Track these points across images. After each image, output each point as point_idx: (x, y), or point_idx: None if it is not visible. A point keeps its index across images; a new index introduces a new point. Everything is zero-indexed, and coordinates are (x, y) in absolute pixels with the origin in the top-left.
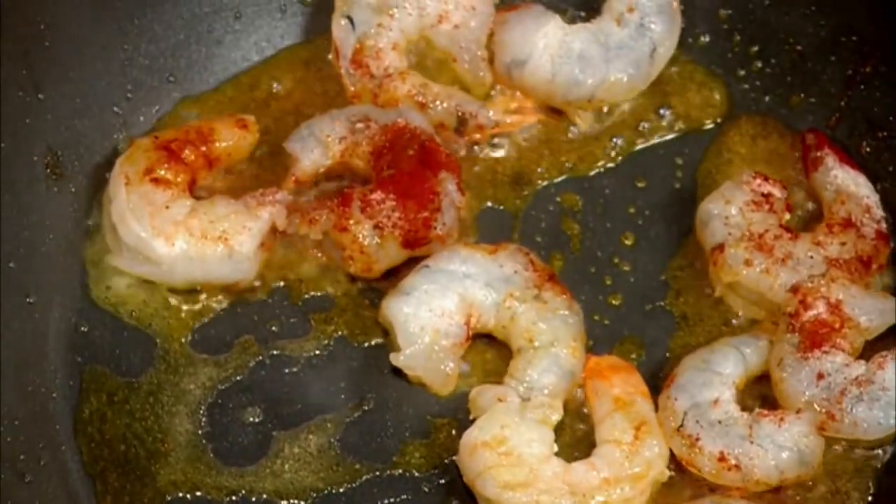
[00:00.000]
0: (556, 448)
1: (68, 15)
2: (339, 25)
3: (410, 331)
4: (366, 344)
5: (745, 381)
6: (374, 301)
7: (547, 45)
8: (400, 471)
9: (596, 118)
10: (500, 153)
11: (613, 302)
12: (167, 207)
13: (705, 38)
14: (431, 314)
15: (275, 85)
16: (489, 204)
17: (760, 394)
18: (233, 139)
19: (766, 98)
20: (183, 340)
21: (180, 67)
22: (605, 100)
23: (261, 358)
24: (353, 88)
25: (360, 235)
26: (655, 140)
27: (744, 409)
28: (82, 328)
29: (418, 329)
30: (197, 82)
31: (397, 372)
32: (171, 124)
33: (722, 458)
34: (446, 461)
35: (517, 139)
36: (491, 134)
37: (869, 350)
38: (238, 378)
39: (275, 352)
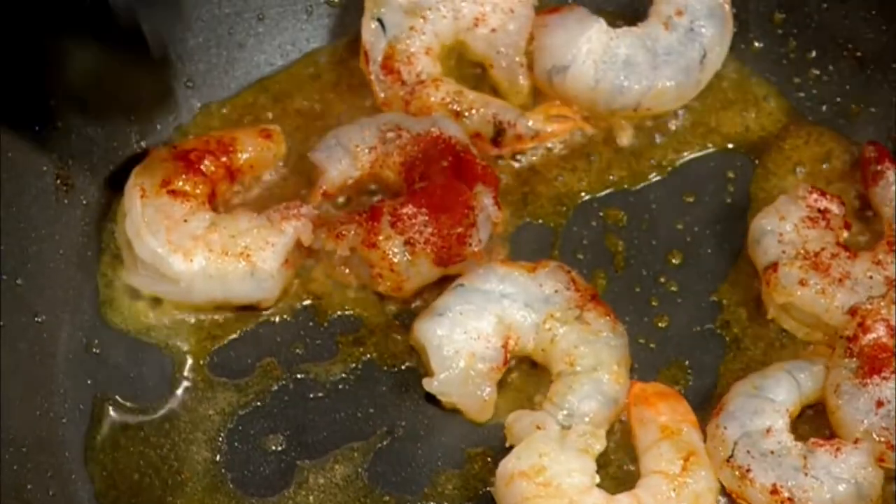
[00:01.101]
0: (597, 479)
1: None
2: (368, 28)
3: (444, 354)
4: (396, 368)
5: (800, 408)
6: (404, 322)
7: (590, 50)
8: (432, 503)
9: (641, 128)
10: (539, 165)
11: (660, 324)
12: (185, 221)
13: (759, 44)
14: (467, 336)
15: (300, 91)
16: (527, 219)
17: (815, 422)
18: (256, 150)
19: (824, 107)
20: (201, 363)
21: (199, 72)
22: (651, 108)
23: (284, 382)
24: (383, 95)
25: (390, 252)
26: (705, 152)
27: (798, 438)
28: (94, 349)
29: (453, 352)
30: (217, 88)
31: (430, 398)
32: (191, 133)
33: (775, 491)
34: (481, 492)
35: (558, 150)
36: (530, 144)
37: None
38: (259, 403)
39: (299, 376)
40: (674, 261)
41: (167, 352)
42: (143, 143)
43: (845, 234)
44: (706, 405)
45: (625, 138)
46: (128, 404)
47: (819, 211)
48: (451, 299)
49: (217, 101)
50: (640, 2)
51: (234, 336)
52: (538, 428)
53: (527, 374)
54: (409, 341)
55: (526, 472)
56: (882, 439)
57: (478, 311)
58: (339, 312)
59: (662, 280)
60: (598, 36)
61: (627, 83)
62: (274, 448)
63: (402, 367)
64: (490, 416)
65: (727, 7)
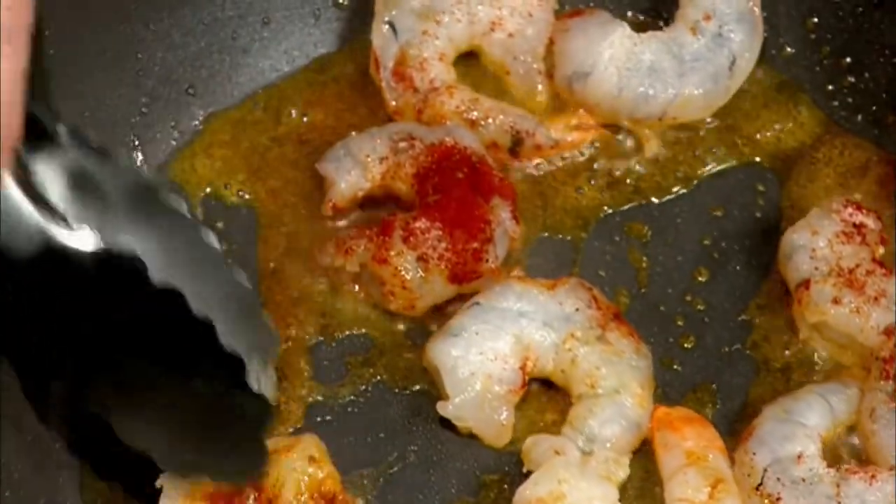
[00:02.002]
0: None
1: (75, 19)
2: (379, 33)
3: (459, 377)
4: (408, 390)
5: (833, 433)
6: (417, 342)
7: (613, 55)
8: None
9: (667, 138)
10: (559, 176)
11: (686, 345)
12: None
13: (790, 50)
14: (483, 358)
15: (307, 99)
16: (546, 233)
17: (849, 448)
18: None
19: (859, 117)
20: None
21: (201, 78)
22: (677, 117)
23: None
24: (394, 103)
25: (402, 268)
26: (733, 163)
27: (830, 465)
28: None
29: (468, 374)
30: (220, 95)
31: (444, 422)
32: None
33: None
34: None
35: (578, 161)
36: (549, 154)
37: None
38: None
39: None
40: (700, 278)
41: None
42: (142, 154)
43: (881, 250)
44: (735, 430)
45: (649, 149)
46: None
47: (854, 226)
48: (466, 318)
49: (220, 109)
50: (666, 5)
51: None
52: (557, 453)
53: (546, 397)
54: (422, 363)
55: (544, 499)
56: None
57: (494, 330)
58: (347, 332)
59: (688, 298)
60: (622, 41)
61: (652, 91)
62: None
63: (415, 390)
64: (507, 441)
65: (757, 11)
